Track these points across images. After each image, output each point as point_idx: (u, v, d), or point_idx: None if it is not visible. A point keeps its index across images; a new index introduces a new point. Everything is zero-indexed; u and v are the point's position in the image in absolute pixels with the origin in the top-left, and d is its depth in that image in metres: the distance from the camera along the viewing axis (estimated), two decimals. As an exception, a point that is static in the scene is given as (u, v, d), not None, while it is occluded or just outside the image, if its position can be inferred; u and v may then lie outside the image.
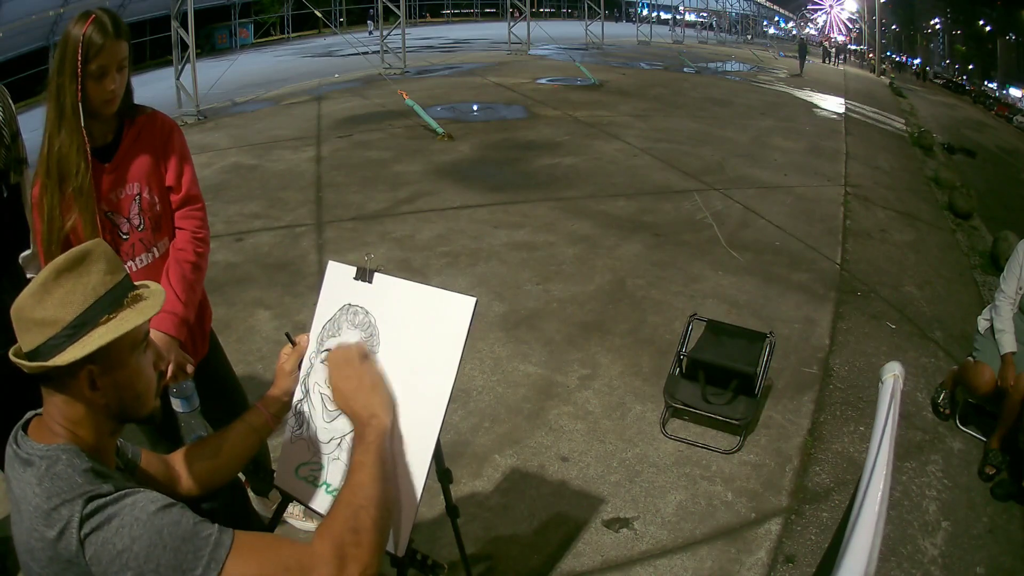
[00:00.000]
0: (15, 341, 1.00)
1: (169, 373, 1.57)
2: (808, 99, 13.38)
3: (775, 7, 57.45)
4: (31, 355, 0.97)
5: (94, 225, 1.53)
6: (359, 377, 1.21)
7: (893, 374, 1.24)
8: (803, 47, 22.07)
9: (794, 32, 62.01)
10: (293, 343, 1.46)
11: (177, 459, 1.28)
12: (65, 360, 0.95)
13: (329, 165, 6.30)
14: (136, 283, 1.09)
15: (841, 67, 27.97)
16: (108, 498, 0.92)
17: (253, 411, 1.36)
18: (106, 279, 1.02)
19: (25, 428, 1.01)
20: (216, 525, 0.94)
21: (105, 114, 1.52)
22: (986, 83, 46.16)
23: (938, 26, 60.02)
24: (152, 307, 1.05)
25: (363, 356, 1.26)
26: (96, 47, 1.45)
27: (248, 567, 0.91)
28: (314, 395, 1.46)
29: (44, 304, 0.97)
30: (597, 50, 19.91)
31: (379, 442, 1.12)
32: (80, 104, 1.47)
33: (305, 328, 1.52)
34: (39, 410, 1.03)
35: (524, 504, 2.33)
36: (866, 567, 0.87)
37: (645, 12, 34.13)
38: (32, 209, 1.58)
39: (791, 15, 64.13)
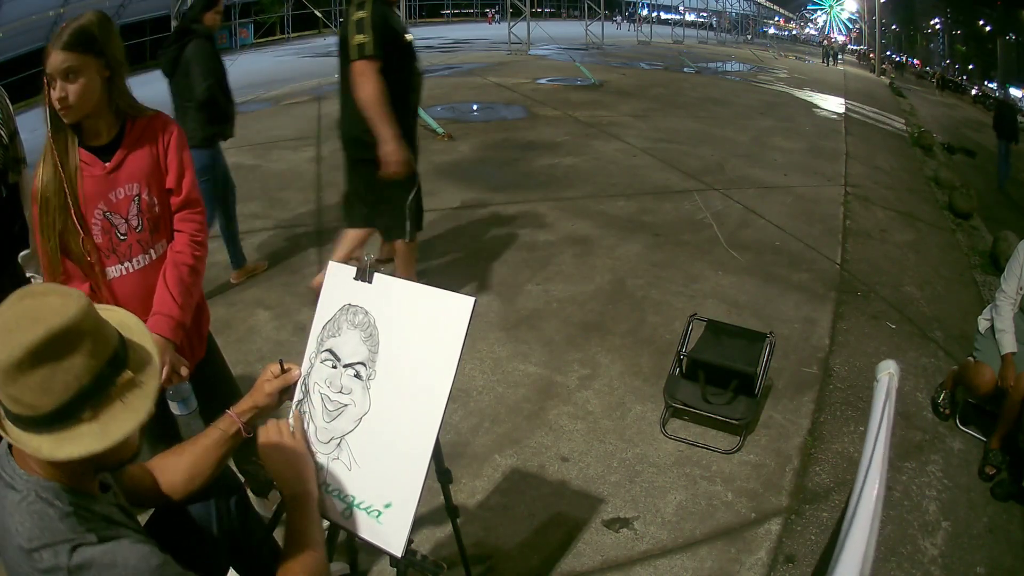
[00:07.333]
0: None
1: (164, 376, 1.58)
2: (808, 99, 13.37)
3: (775, 7, 57.42)
4: (11, 415, 0.89)
5: (67, 216, 1.55)
6: (284, 450, 1.30)
7: (888, 372, 1.23)
8: (827, 50, 30.66)
9: (795, 32, 62.06)
10: (284, 369, 1.43)
11: (155, 466, 1.28)
12: (44, 455, 0.88)
13: (329, 165, 6.29)
14: (132, 342, 0.98)
15: (840, 67, 28.01)
16: (95, 550, 0.89)
17: (226, 418, 1.34)
18: (90, 364, 0.89)
19: (10, 446, 0.97)
20: None
21: (66, 120, 1.53)
22: (986, 83, 46.09)
23: (938, 26, 60.05)
24: (145, 400, 0.94)
25: (282, 432, 1.34)
26: (45, 55, 1.47)
27: None
28: (314, 395, 1.46)
29: (19, 385, 0.86)
30: (597, 50, 19.90)
31: (314, 507, 1.25)
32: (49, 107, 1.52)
33: (305, 328, 1.52)
34: None
35: (524, 504, 2.33)
36: (861, 565, 0.87)
37: (645, 12, 34.10)
38: (32, 204, 1.59)
39: (791, 15, 64.15)
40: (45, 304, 0.89)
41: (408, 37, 3.00)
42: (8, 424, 0.90)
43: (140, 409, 0.94)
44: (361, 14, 2.78)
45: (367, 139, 2.93)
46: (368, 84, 2.80)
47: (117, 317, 1.02)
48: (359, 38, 2.77)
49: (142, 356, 0.98)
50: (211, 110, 3.39)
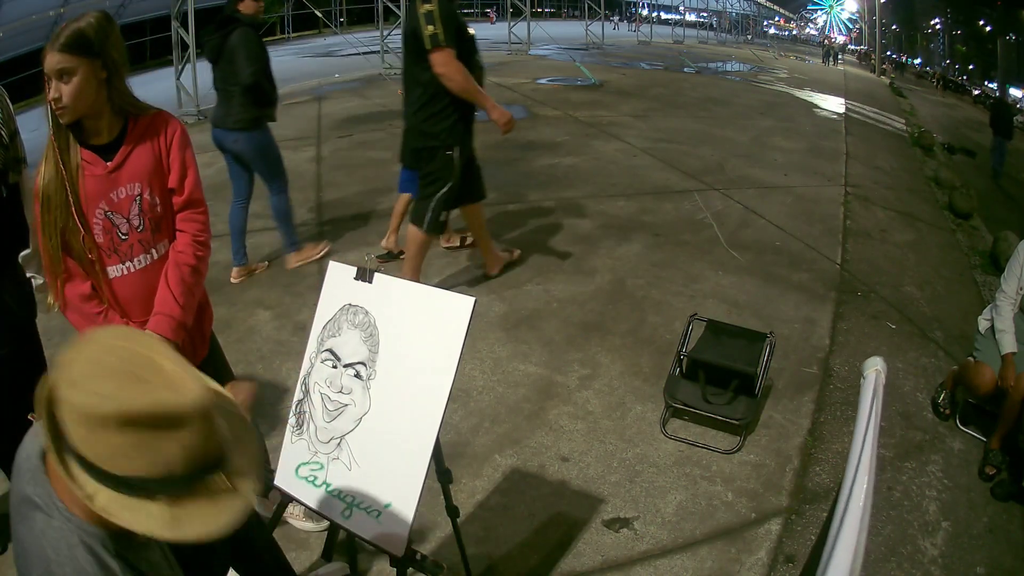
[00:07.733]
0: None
1: None
2: (808, 99, 13.36)
3: (775, 7, 57.41)
4: (71, 449, 0.78)
5: (68, 214, 1.55)
6: None
7: (875, 368, 1.22)
8: (827, 50, 31.33)
9: (795, 32, 62.10)
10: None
11: None
12: (96, 506, 0.77)
13: (329, 165, 6.30)
14: (234, 436, 0.84)
15: (840, 67, 27.99)
16: None
17: None
18: (192, 456, 0.77)
19: (45, 462, 0.85)
20: None
21: (62, 121, 1.53)
22: (986, 83, 46.00)
23: (938, 26, 60.01)
24: (233, 508, 0.81)
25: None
26: (43, 56, 1.49)
27: None
28: (314, 395, 1.46)
29: (95, 436, 0.75)
30: (597, 50, 19.90)
31: None
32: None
33: (305, 328, 1.52)
34: None
35: (524, 504, 2.33)
36: (852, 564, 0.86)
37: (645, 12, 34.14)
38: (34, 203, 1.59)
39: (791, 15, 64.15)
40: (155, 369, 0.77)
41: (471, 31, 3.17)
42: (68, 456, 0.78)
43: (221, 518, 0.81)
44: (429, 7, 2.91)
45: (425, 128, 3.17)
46: (453, 71, 3.00)
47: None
48: (431, 28, 2.91)
49: (243, 456, 0.86)
50: (255, 94, 3.58)
